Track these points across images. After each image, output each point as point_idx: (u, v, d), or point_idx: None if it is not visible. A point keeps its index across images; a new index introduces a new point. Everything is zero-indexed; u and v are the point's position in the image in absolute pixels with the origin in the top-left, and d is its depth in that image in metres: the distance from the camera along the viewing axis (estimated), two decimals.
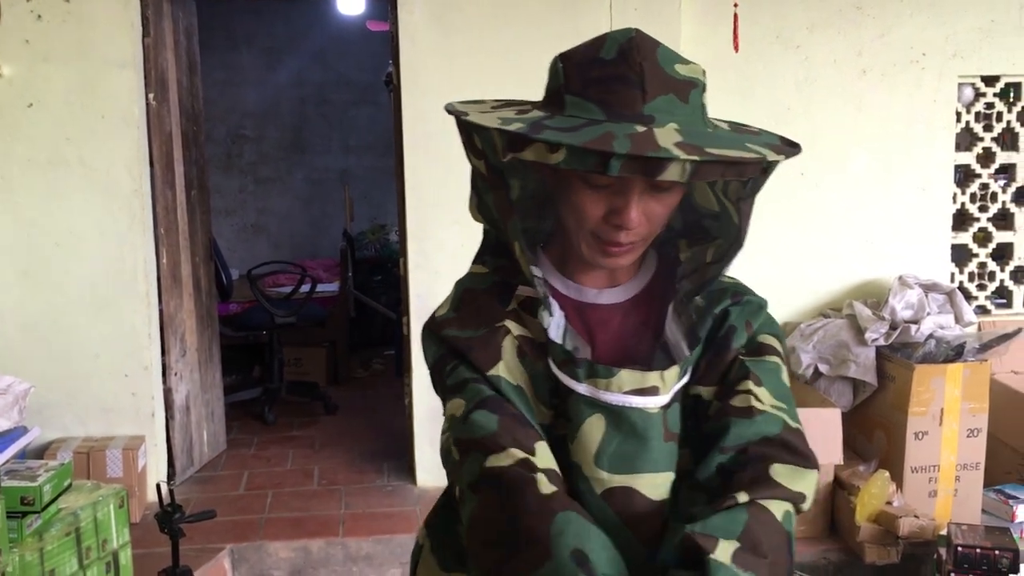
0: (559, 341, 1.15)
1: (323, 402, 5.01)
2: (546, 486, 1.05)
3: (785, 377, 1.21)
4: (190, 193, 3.97)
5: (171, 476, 3.81)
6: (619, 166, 0.98)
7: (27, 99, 3.49)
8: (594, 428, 1.12)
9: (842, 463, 3.54)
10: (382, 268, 6.69)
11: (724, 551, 1.02)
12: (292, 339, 5.34)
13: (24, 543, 2.49)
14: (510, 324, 1.16)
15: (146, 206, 3.61)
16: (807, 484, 1.11)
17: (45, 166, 3.51)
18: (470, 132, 1.14)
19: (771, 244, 3.96)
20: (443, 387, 1.17)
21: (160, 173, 3.69)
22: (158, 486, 2.43)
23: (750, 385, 1.15)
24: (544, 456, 1.09)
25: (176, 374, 3.82)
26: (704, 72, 1.08)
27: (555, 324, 1.16)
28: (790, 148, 1.09)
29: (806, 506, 1.11)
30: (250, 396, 4.99)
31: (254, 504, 3.65)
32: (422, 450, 3.83)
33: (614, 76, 1.03)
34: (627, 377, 1.12)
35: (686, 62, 1.07)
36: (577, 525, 1.02)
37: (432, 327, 1.20)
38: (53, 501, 2.60)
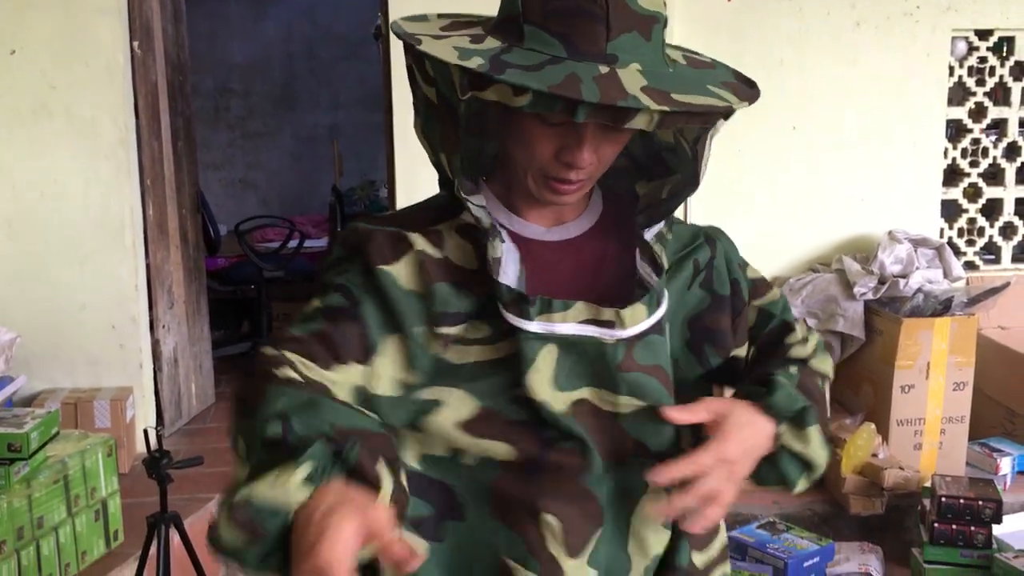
0: (513, 278, 1.12)
1: None
2: (284, 374, 0.99)
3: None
4: (176, 144, 3.94)
5: (160, 427, 3.81)
6: (586, 113, 0.97)
7: (10, 46, 3.44)
8: (547, 358, 1.09)
9: (829, 416, 3.57)
10: None
11: (788, 382, 1.16)
12: (280, 294, 5.34)
13: (12, 490, 2.50)
14: (417, 238, 1.11)
15: (132, 157, 3.58)
16: (828, 365, 1.29)
17: (29, 115, 3.48)
18: (421, 58, 1.07)
19: (762, 199, 3.96)
20: (320, 283, 1.13)
21: (146, 123, 3.66)
22: (146, 432, 2.43)
23: (796, 327, 1.27)
24: (351, 377, 1.04)
25: (164, 326, 3.82)
26: (665, 3, 1.06)
27: (511, 260, 1.13)
28: (749, 90, 1.08)
29: (829, 383, 1.29)
30: (239, 350, 5.00)
31: None
32: None
33: (577, 9, 1.00)
34: (581, 308, 1.10)
35: None
36: (296, 396, 0.95)
37: (349, 225, 1.16)
38: (40, 448, 2.60)
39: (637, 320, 1.11)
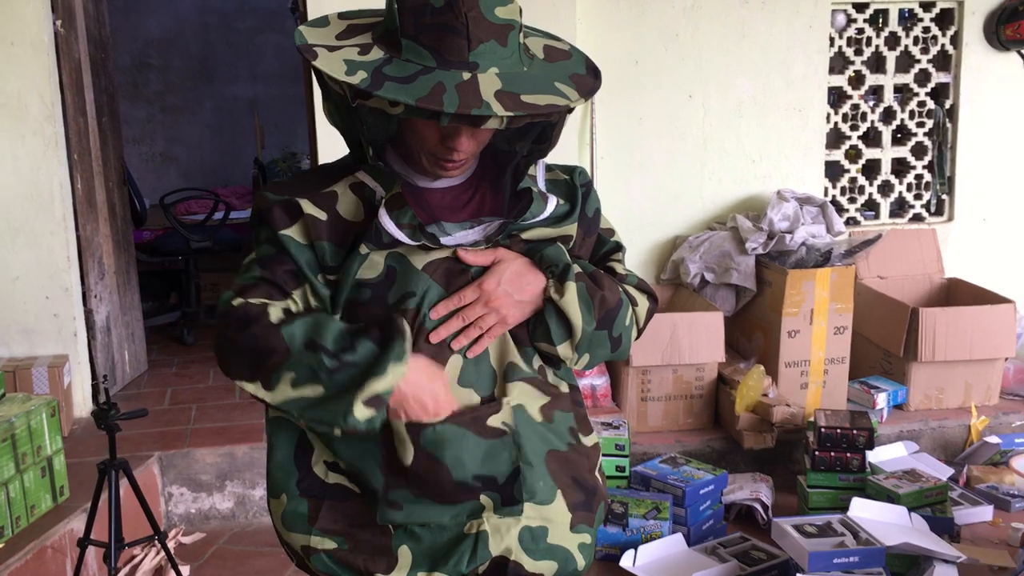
0: (400, 223, 1.37)
1: None
2: (276, 316, 1.33)
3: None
4: (101, 120, 4.05)
5: (96, 393, 3.96)
6: (448, 119, 1.22)
7: None
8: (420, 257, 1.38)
9: (724, 361, 3.90)
10: None
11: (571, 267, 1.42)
12: (206, 265, 5.47)
13: None
14: (305, 203, 1.37)
15: (59, 132, 3.69)
16: (642, 299, 1.54)
17: None
18: (320, 74, 1.33)
19: (662, 163, 4.24)
20: (252, 242, 1.43)
21: (71, 100, 3.77)
22: (94, 385, 2.61)
23: (620, 255, 1.57)
24: (296, 302, 1.37)
25: (96, 296, 3.95)
26: (520, 10, 1.30)
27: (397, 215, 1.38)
28: (592, 81, 1.35)
29: (640, 311, 1.52)
30: (168, 320, 5.13)
31: (179, 417, 3.84)
32: None
33: (443, 24, 1.24)
34: (445, 253, 1.39)
35: (505, 2, 1.27)
36: (303, 324, 1.31)
37: (258, 193, 1.47)
38: None
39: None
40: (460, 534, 1.39)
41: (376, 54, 1.29)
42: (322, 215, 1.38)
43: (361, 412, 1.27)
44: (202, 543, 3.37)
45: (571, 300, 1.39)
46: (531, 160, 1.46)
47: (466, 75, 1.24)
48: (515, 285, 1.38)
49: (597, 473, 1.53)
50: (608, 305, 1.44)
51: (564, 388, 1.50)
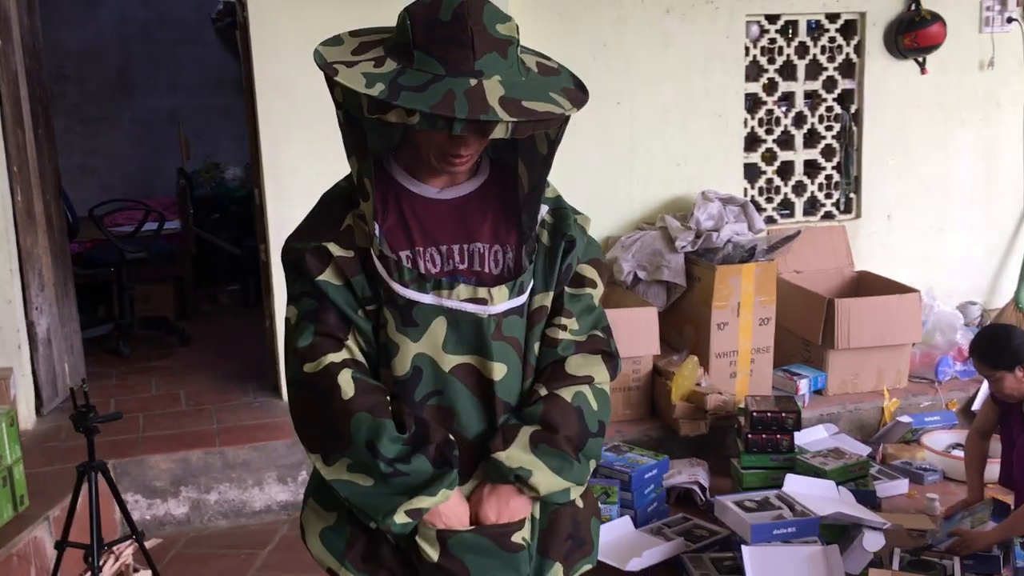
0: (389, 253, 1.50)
1: (177, 335, 5.17)
2: (349, 388, 1.46)
3: (597, 300, 1.66)
4: (37, 131, 4.04)
5: (39, 406, 3.94)
6: (460, 128, 1.36)
7: None
8: (439, 325, 1.51)
9: (659, 354, 4.11)
10: (219, 206, 6.79)
11: (524, 435, 1.52)
12: (138, 276, 5.43)
13: None
14: (333, 247, 1.50)
15: None
16: (594, 366, 1.60)
17: None
18: (333, 82, 1.44)
19: (593, 167, 4.44)
20: (289, 293, 1.56)
21: (9, 112, 3.75)
22: (72, 390, 2.64)
23: (562, 320, 1.61)
24: (353, 349, 1.50)
25: (37, 308, 3.93)
26: (517, 28, 1.46)
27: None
28: (581, 95, 1.50)
29: (600, 381, 1.60)
30: (101, 332, 5.09)
31: (127, 426, 3.84)
32: None
33: (451, 37, 1.39)
34: (463, 289, 1.51)
35: (505, 20, 1.43)
36: (368, 423, 1.45)
37: (285, 243, 1.58)
38: None
39: (502, 299, 1.53)
40: None
41: (390, 65, 1.41)
42: (349, 253, 1.51)
43: (401, 518, 1.45)
44: (159, 548, 3.40)
45: (547, 483, 1.52)
46: (539, 189, 1.58)
47: (472, 81, 1.38)
48: (509, 513, 1.53)
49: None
50: (573, 432, 1.55)
51: None
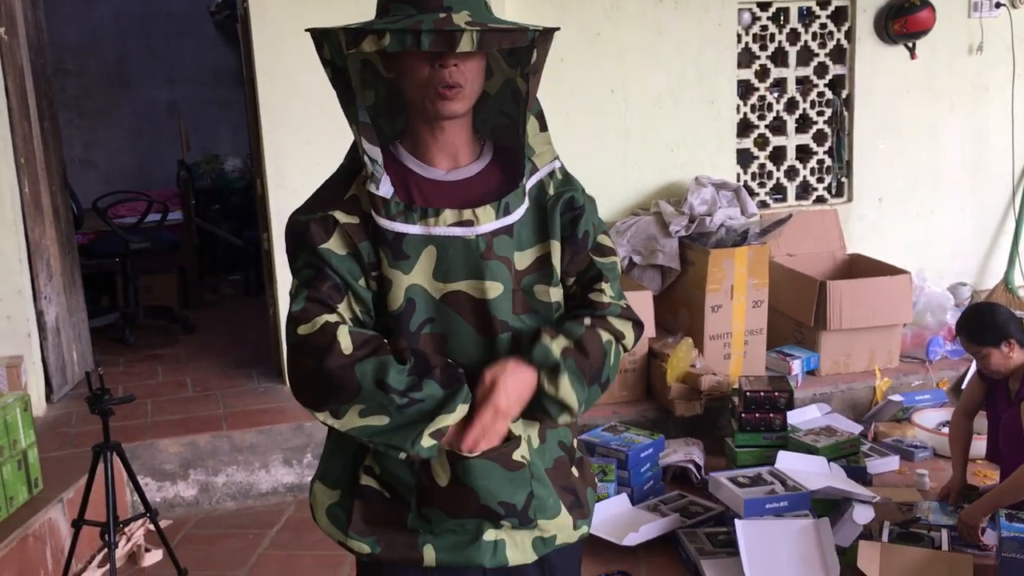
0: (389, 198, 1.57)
1: (181, 323, 5.26)
2: (347, 341, 1.51)
3: (618, 270, 1.75)
4: (43, 124, 4.11)
5: (49, 393, 4.03)
6: (428, 42, 1.44)
7: None
8: (428, 255, 1.56)
9: (655, 336, 4.19)
10: (219, 197, 6.87)
11: (559, 343, 1.58)
12: (142, 267, 5.51)
13: None
14: (339, 214, 1.55)
15: (6, 137, 3.75)
16: (627, 329, 1.68)
17: None
18: (321, 43, 1.53)
19: (588, 153, 4.50)
20: (292, 268, 1.61)
21: (16, 105, 3.83)
22: (87, 373, 2.73)
23: (603, 285, 1.68)
24: (344, 316, 1.55)
25: (45, 298, 4.01)
26: None
27: (385, 191, 1.57)
28: (550, 28, 1.57)
29: (627, 342, 1.68)
30: (107, 322, 5.17)
31: (136, 411, 3.93)
32: None
33: None
34: (449, 214, 1.57)
35: None
36: (372, 365, 1.50)
37: (290, 217, 1.63)
38: None
39: (488, 219, 1.58)
40: (479, 540, 1.61)
41: (369, 21, 1.53)
42: (355, 219, 1.56)
43: (427, 441, 1.50)
44: (170, 529, 3.49)
45: (565, 388, 1.57)
46: (519, 122, 1.63)
47: (441, 14, 1.47)
48: (517, 392, 1.56)
49: (575, 446, 1.76)
50: (596, 366, 1.61)
51: None
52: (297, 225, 1.58)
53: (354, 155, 1.64)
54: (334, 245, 1.54)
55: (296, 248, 1.59)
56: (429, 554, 1.61)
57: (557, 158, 1.69)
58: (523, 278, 1.61)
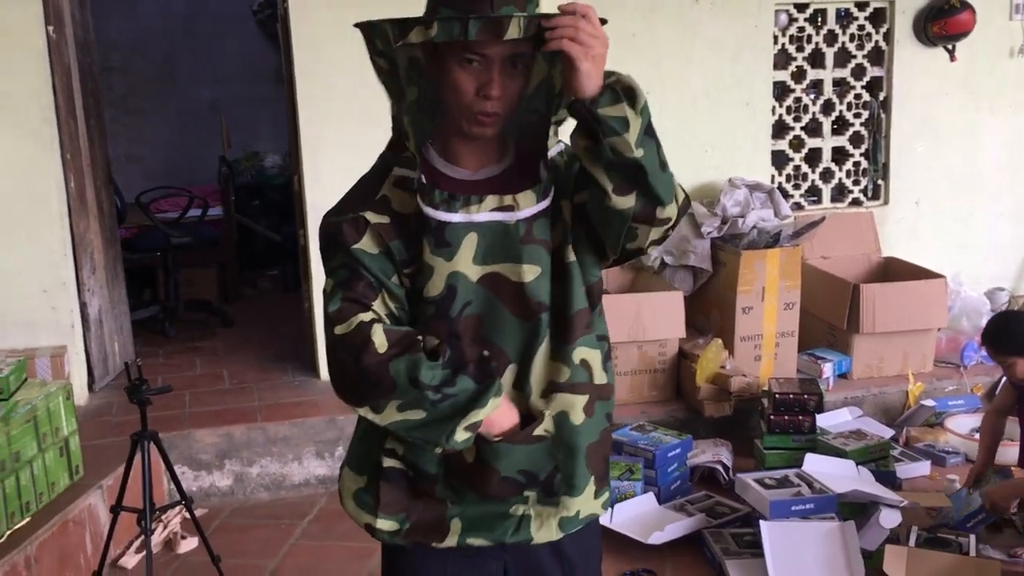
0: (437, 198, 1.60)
1: (220, 317, 5.36)
2: (381, 340, 1.54)
3: None
4: (89, 121, 4.22)
5: (91, 383, 4.14)
6: (475, 31, 1.45)
7: None
8: (469, 242, 1.59)
9: (685, 337, 4.21)
10: (259, 193, 6.98)
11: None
12: (183, 261, 5.63)
13: None
14: (369, 214, 1.59)
15: (54, 134, 3.86)
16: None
17: None
18: (373, 38, 1.56)
19: None
20: (326, 268, 1.65)
21: (63, 103, 3.93)
22: (127, 364, 2.81)
23: None
24: (380, 313, 1.58)
25: (89, 290, 4.12)
26: None
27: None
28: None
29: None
30: (148, 314, 5.29)
31: (174, 402, 4.03)
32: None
33: None
34: (491, 200, 1.61)
35: None
36: (406, 363, 1.54)
37: (323, 219, 1.67)
38: (16, 391, 2.94)
39: (529, 204, 1.62)
40: (506, 512, 1.66)
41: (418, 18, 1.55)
42: (385, 219, 1.60)
43: (461, 435, 1.55)
44: (205, 518, 3.57)
45: (632, 81, 1.48)
46: (546, 122, 1.65)
47: (490, 15, 1.49)
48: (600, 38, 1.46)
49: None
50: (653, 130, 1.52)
51: (602, 379, 1.71)
52: (330, 226, 1.62)
53: (385, 157, 1.68)
54: (366, 245, 1.58)
55: (329, 249, 1.63)
56: (456, 526, 1.65)
57: (560, 140, 1.72)
58: (555, 253, 1.65)
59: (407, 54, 1.58)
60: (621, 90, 1.47)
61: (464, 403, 1.55)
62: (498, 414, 1.59)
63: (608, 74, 1.48)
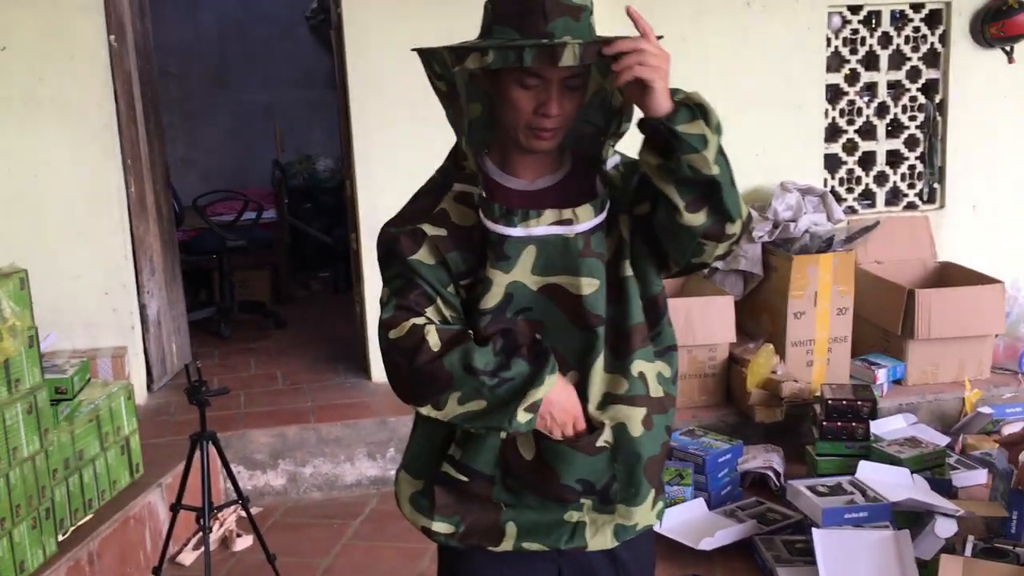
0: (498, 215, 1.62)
1: (273, 318, 5.45)
2: (434, 339, 1.58)
3: None
4: (148, 127, 4.32)
5: (150, 383, 4.24)
6: (530, 57, 1.48)
7: (0, 43, 3.79)
8: (528, 255, 1.62)
9: (735, 342, 4.18)
10: (311, 196, 7.08)
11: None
12: (237, 263, 5.73)
13: (59, 427, 2.93)
14: (426, 227, 1.63)
15: (115, 139, 3.97)
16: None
17: (20, 105, 3.84)
18: (431, 61, 1.60)
19: None
20: (383, 278, 1.69)
21: (124, 109, 4.04)
22: (186, 366, 2.88)
23: None
24: (433, 316, 1.62)
25: (148, 292, 4.23)
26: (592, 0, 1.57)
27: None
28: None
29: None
30: (204, 316, 5.40)
31: (229, 403, 4.10)
32: (376, 350, 4.33)
33: (524, 8, 1.53)
34: (549, 214, 1.63)
35: None
36: (459, 353, 1.57)
37: (381, 230, 1.71)
38: (80, 391, 3.03)
39: (587, 217, 1.64)
40: (561, 519, 1.68)
41: (474, 41, 1.59)
42: (442, 231, 1.64)
43: (523, 416, 1.57)
44: (259, 517, 3.63)
45: (701, 97, 1.49)
46: (604, 139, 1.67)
47: (544, 40, 1.51)
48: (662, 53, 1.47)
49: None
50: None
51: (658, 392, 1.70)
52: (387, 237, 1.66)
53: (446, 171, 1.71)
54: (423, 256, 1.62)
55: (387, 259, 1.67)
56: (511, 530, 1.67)
57: (617, 152, 1.73)
58: (611, 267, 1.66)
59: (465, 74, 1.61)
60: (695, 107, 1.48)
61: (521, 385, 1.57)
62: (555, 392, 1.60)
63: (674, 91, 1.50)
